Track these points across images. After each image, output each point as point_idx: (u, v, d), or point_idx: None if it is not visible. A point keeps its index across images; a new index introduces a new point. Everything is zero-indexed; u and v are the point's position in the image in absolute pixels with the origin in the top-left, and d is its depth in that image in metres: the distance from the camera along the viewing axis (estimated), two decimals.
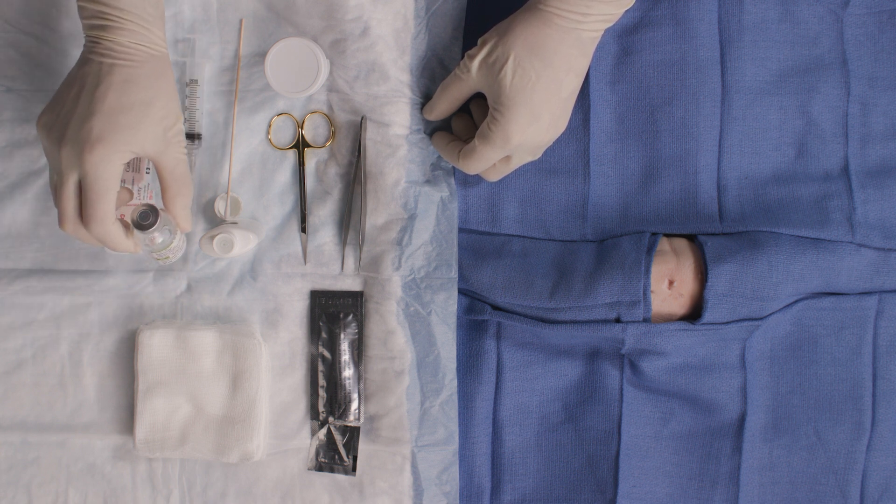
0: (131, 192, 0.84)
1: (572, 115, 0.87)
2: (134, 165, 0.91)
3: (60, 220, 0.75)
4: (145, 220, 0.78)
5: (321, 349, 0.92)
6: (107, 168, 0.73)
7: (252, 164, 0.92)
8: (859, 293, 0.92)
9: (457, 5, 0.91)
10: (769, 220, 0.91)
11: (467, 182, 0.94)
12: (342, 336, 0.91)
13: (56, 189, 0.75)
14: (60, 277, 0.93)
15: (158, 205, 0.90)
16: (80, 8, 0.77)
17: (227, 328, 0.91)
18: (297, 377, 0.93)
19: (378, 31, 0.88)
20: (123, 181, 0.88)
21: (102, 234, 0.75)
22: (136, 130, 0.74)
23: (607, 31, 0.91)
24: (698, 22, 0.92)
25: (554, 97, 0.81)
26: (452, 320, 0.91)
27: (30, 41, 0.91)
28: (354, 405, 0.91)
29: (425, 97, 0.92)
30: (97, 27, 0.76)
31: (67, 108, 0.75)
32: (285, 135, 0.92)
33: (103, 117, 0.73)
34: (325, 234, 0.92)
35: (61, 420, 0.93)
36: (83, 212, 0.74)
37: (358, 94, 0.90)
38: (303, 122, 0.91)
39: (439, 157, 0.93)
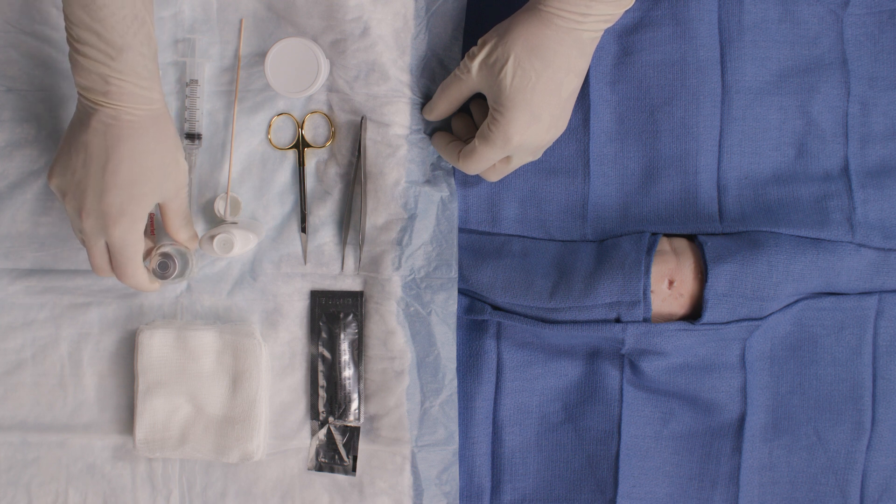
0: (153, 241, 0.90)
1: (572, 115, 0.87)
2: None
3: (96, 271, 0.84)
4: (165, 269, 0.86)
5: (321, 349, 0.92)
6: (132, 236, 0.80)
7: (252, 164, 0.92)
8: (859, 293, 0.92)
9: (457, 5, 0.91)
10: (769, 220, 0.91)
11: (467, 182, 0.94)
12: (342, 336, 0.91)
13: (87, 248, 0.82)
14: (60, 277, 0.93)
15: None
16: (76, 67, 0.76)
17: (227, 328, 0.91)
18: (297, 377, 0.93)
19: (378, 31, 0.88)
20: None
21: (134, 285, 0.84)
22: (154, 195, 0.81)
23: (607, 31, 0.91)
24: (698, 22, 0.92)
25: (554, 97, 0.81)
26: (452, 320, 0.91)
27: (30, 41, 0.91)
28: (354, 405, 0.91)
29: (425, 97, 0.92)
30: (96, 91, 0.76)
31: (79, 176, 0.78)
32: (285, 135, 0.92)
33: (121, 191, 0.78)
34: (325, 234, 0.92)
35: (61, 420, 0.93)
36: (115, 270, 0.83)
37: (358, 94, 0.90)
38: (303, 122, 0.91)
39: (439, 157, 0.93)
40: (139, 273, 0.83)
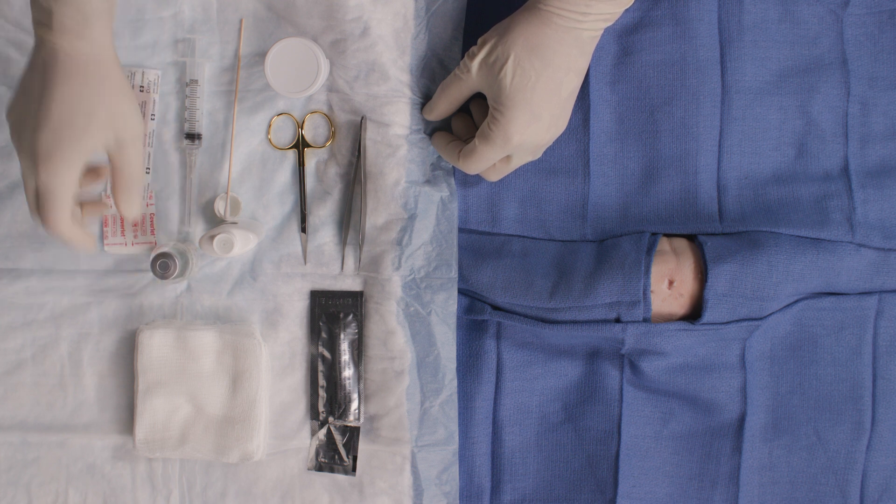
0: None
1: (572, 115, 0.87)
2: None
3: (31, 214, 0.78)
4: (165, 269, 0.86)
5: (321, 349, 0.92)
6: (55, 180, 0.74)
7: (252, 164, 0.92)
8: (859, 293, 0.92)
9: (457, 5, 0.91)
10: (769, 220, 0.91)
11: (467, 182, 0.94)
12: (342, 336, 0.91)
13: (24, 187, 0.77)
14: (60, 277, 0.93)
15: (161, 205, 0.90)
16: (31, 1, 0.75)
17: (227, 328, 0.91)
18: (297, 377, 0.93)
19: (378, 31, 0.88)
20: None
21: (56, 235, 0.77)
22: (80, 142, 0.74)
23: (607, 31, 0.91)
24: (698, 22, 0.92)
25: (554, 97, 0.81)
26: (452, 320, 0.91)
27: (30, 41, 0.91)
28: (354, 405, 0.91)
29: (425, 97, 0.92)
30: (42, 24, 0.74)
31: (24, 112, 0.75)
32: (285, 135, 0.92)
33: (49, 132, 0.74)
34: (325, 234, 0.92)
35: (61, 420, 0.93)
36: (40, 214, 0.76)
37: (358, 94, 0.90)
38: (303, 122, 0.91)
39: (439, 157, 0.93)
40: (61, 222, 0.76)
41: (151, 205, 0.92)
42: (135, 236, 0.92)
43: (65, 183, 0.75)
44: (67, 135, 0.74)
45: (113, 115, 0.76)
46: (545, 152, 0.89)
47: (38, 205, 0.76)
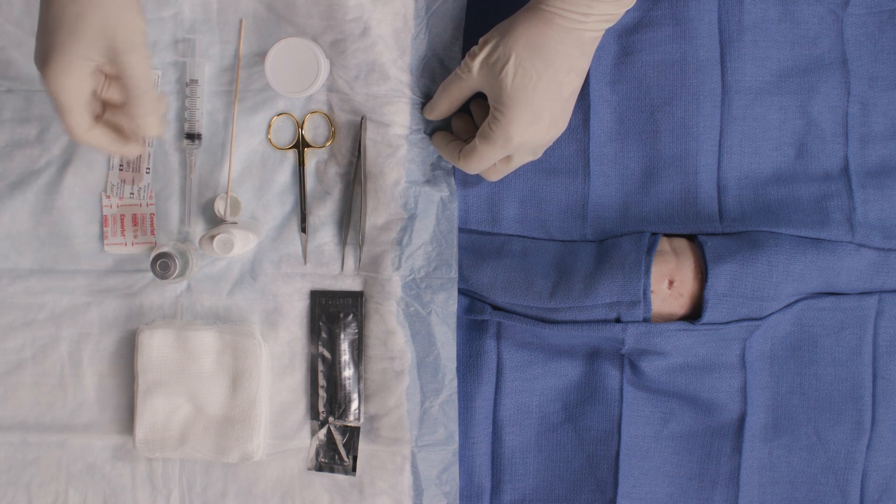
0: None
1: (572, 115, 0.87)
2: (134, 166, 0.91)
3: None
4: (165, 269, 0.86)
5: (321, 349, 0.92)
6: (56, 87, 0.73)
7: (252, 164, 0.92)
8: (859, 293, 0.92)
9: (457, 5, 0.91)
10: (769, 220, 0.91)
11: (467, 182, 0.94)
12: (342, 336, 0.91)
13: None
14: (60, 277, 0.93)
15: (161, 202, 0.90)
16: None
17: (227, 328, 0.91)
18: (297, 377, 0.93)
19: (378, 31, 0.88)
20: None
21: (76, 139, 0.76)
22: (71, 46, 0.72)
23: (607, 31, 0.91)
24: (698, 22, 0.92)
25: (555, 97, 0.81)
26: (452, 320, 0.91)
27: (31, 41, 0.91)
28: (354, 405, 0.91)
29: (425, 97, 0.92)
30: None
31: (38, 18, 0.74)
32: (285, 135, 0.92)
33: (47, 36, 0.73)
34: (325, 234, 0.92)
35: (61, 420, 0.93)
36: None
37: (358, 94, 0.90)
38: (303, 122, 0.91)
39: (439, 157, 0.93)
40: (75, 128, 0.75)
41: (151, 205, 0.92)
42: (135, 236, 0.92)
43: (67, 89, 0.73)
44: (58, 40, 0.72)
45: (105, 18, 0.73)
46: (545, 152, 0.89)
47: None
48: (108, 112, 0.78)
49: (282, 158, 0.92)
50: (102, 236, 0.92)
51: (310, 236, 0.92)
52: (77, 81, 0.73)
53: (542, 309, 0.90)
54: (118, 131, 0.78)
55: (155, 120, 0.77)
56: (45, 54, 0.73)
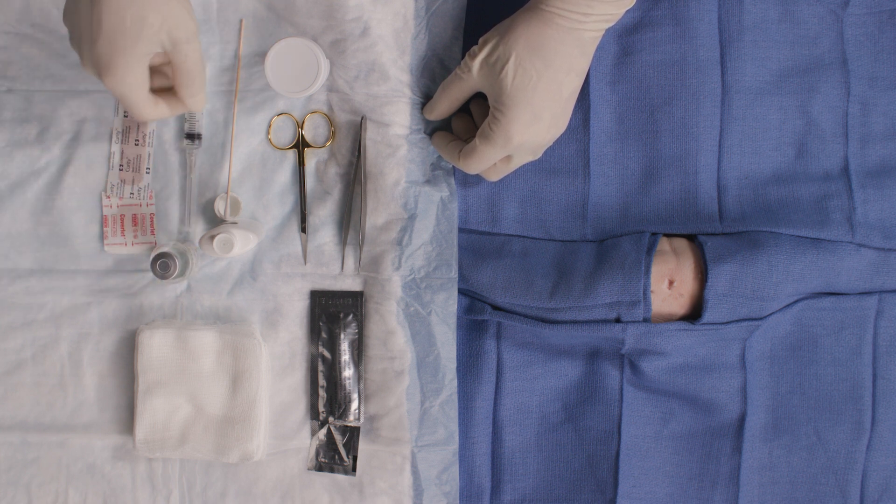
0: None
1: (572, 115, 0.87)
2: (134, 165, 0.91)
3: None
4: (165, 269, 0.86)
5: (321, 349, 0.92)
6: (123, 88, 0.77)
7: (252, 164, 0.92)
8: (859, 293, 0.92)
9: (457, 5, 0.91)
10: (769, 220, 0.91)
11: (467, 182, 0.94)
12: (342, 336, 0.91)
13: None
14: (60, 277, 0.93)
15: (161, 201, 0.90)
16: None
17: (227, 328, 0.91)
18: (297, 377, 0.93)
19: (378, 31, 0.88)
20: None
21: (150, 121, 0.86)
22: (135, 48, 0.75)
23: (607, 31, 0.91)
24: (698, 22, 0.92)
25: (555, 97, 0.81)
26: (452, 320, 0.91)
27: (31, 42, 0.91)
28: (354, 405, 0.91)
29: (425, 97, 0.92)
30: None
31: (77, 20, 0.76)
32: (285, 135, 0.92)
33: (105, 44, 0.75)
34: (325, 234, 0.92)
35: (61, 420, 0.93)
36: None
37: (358, 94, 0.90)
38: (303, 122, 0.91)
39: (439, 157, 0.93)
40: (145, 115, 0.80)
41: (151, 205, 0.92)
42: (135, 236, 0.92)
43: (133, 86, 0.77)
44: (122, 44, 0.75)
45: (164, 17, 0.76)
46: (545, 152, 0.89)
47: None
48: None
49: (282, 158, 0.92)
50: (102, 236, 0.92)
51: (310, 236, 0.92)
52: (140, 77, 0.77)
53: (542, 309, 0.90)
54: (168, 96, 0.81)
55: (204, 97, 0.82)
56: (108, 60, 0.75)
